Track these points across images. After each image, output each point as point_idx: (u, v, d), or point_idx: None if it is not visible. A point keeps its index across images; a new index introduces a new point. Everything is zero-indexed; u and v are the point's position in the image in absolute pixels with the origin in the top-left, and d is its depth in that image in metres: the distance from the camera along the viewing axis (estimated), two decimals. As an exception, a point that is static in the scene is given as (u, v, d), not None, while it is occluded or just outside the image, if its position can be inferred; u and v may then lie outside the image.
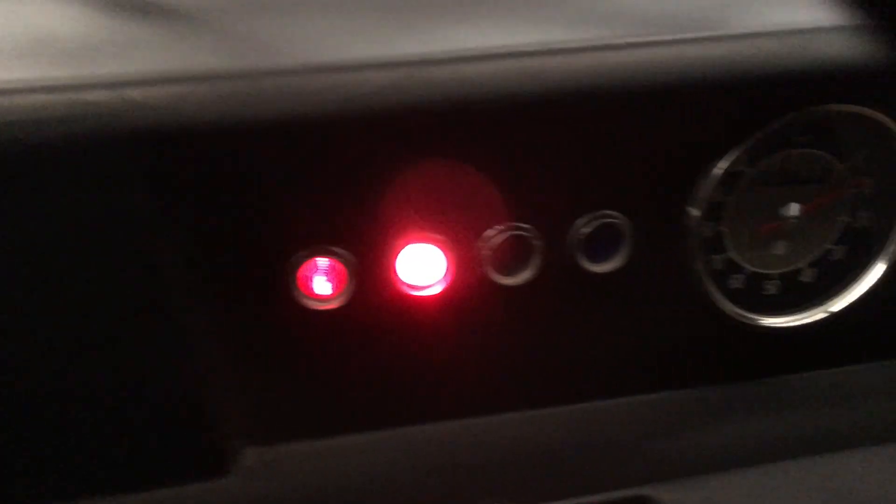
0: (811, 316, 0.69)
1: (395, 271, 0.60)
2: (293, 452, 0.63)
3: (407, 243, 0.59)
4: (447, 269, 0.60)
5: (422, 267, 0.60)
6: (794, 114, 0.60)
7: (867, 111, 0.62)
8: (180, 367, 0.58)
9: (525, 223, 0.60)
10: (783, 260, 0.69)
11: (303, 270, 0.58)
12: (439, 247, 0.60)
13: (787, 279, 0.69)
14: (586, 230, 0.61)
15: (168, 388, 0.58)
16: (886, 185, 0.67)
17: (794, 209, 0.66)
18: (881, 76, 0.60)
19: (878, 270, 0.69)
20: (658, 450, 0.63)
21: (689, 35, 0.59)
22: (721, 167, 0.61)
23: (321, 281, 0.59)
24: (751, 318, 0.68)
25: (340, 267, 0.59)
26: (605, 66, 0.58)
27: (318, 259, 0.58)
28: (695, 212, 0.63)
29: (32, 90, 0.52)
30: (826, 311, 0.69)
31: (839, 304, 0.69)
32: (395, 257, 0.59)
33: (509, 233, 0.60)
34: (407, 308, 0.60)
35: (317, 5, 0.67)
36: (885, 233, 0.68)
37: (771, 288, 0.69)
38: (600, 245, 0.62)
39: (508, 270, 0.61)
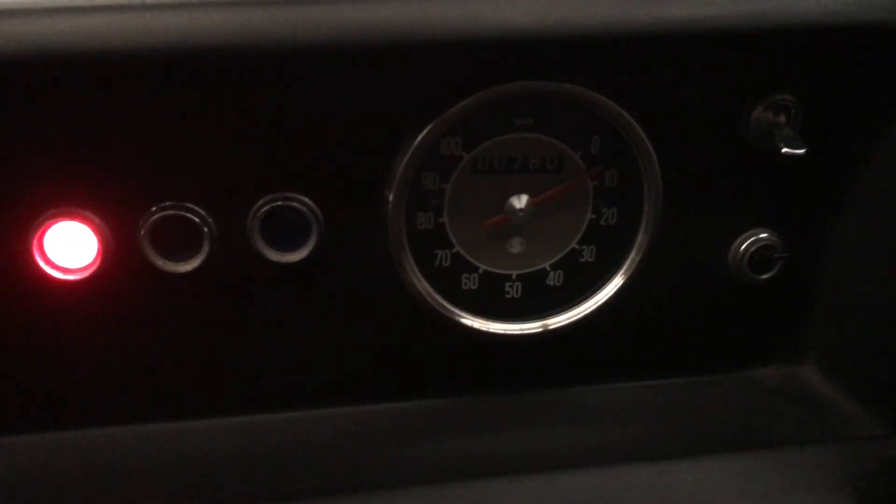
0: (532, 328, 0.62)
1: (39, 251, 0.53)
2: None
3: (52, 221, 0.53)
4: (98, 251, 0.54)
5: (70, 248, 0.54)
6: (486, 90, 0.54)
7: (583, 91, 0.55)
8: None
9: (194, 203, 0.54)
10: (523, 259, 0.62)
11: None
12: (89, 226, 0.53)
13: (531, 281, 0.62)
14: (262, 215, 0.55)
15: None
16: (628, 178, 0.60)
17: (521, 201, 0.59)
18: (588, 48, 0.53)
19: (616, 282, 0.62)
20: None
21: None
22: (414, 145, 0.55)
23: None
24: (458, 318, 0.61)
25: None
26: (277, 21, 0.51)
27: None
28: (392, 196, 0.56)
29: None
30: (544, 326, 0.62)
31: (574, 315, 0.63)
32: (39, 236, 0.53)
33: (173, 212, 0.54)
34: (51, 293, 0.54)
35: None
36: (632, 233, 0.61)
37: (512, 291, 0.63)
38: (289, 232, 0.56)
39: (175, 256, 0.55)
